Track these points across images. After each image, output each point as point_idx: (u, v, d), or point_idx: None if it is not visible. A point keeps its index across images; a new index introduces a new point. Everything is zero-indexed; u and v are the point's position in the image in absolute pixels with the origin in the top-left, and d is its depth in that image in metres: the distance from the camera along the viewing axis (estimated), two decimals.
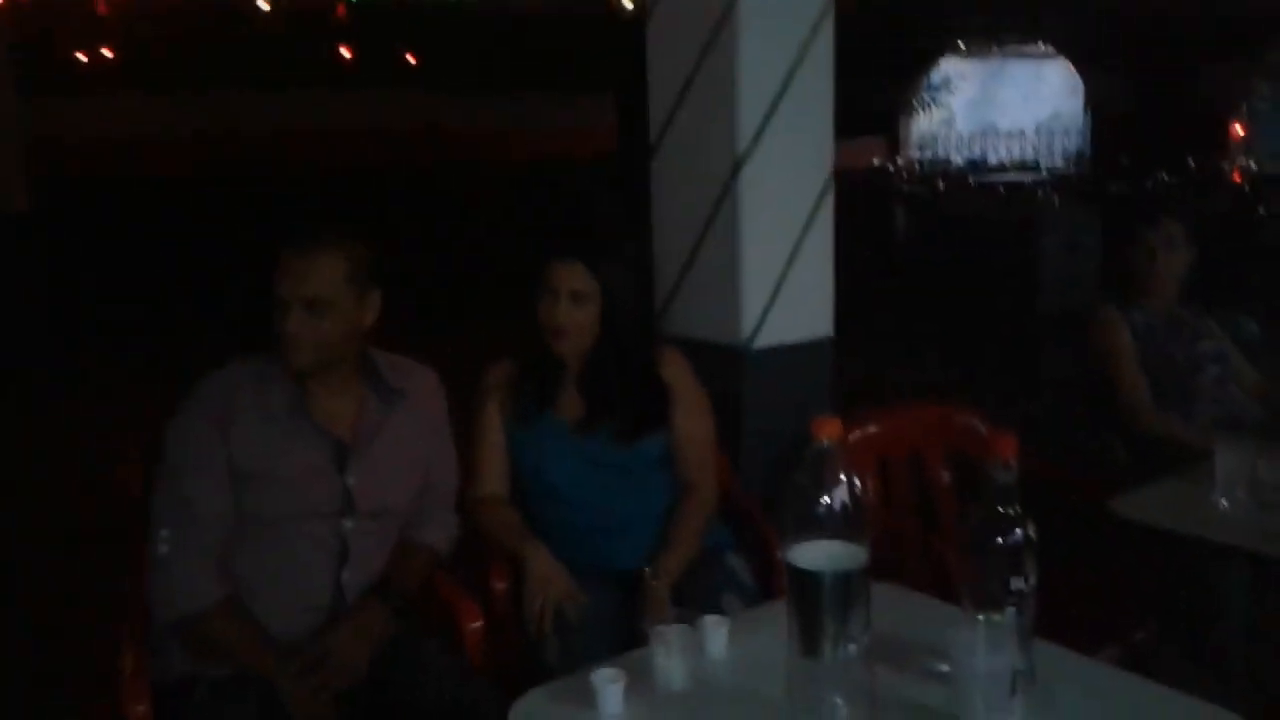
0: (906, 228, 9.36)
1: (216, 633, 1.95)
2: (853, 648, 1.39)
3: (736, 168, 2.90)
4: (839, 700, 1.39)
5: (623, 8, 9.01)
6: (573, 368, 2.35)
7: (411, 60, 13.27)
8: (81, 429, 5.45)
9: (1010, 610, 1.45)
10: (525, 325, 2.35)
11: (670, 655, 1.58)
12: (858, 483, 1.42)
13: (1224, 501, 2.21)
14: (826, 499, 1.41)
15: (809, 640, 1.40)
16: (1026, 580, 1.46)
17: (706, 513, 2.35)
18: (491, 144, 12.31)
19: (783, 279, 2.96)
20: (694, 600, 2.09)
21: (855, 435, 2.56)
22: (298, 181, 9.91)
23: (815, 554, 1.40)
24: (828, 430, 1.42)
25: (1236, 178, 11.89)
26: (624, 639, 1.95)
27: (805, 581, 1.39)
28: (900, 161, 15.39)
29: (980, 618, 1.46)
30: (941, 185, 12.12)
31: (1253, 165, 13.28)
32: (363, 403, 2.11)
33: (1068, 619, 2.46)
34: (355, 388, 2.11)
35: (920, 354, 6.77)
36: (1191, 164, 11.77)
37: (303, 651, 1.95)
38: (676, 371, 2.41)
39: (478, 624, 2.12)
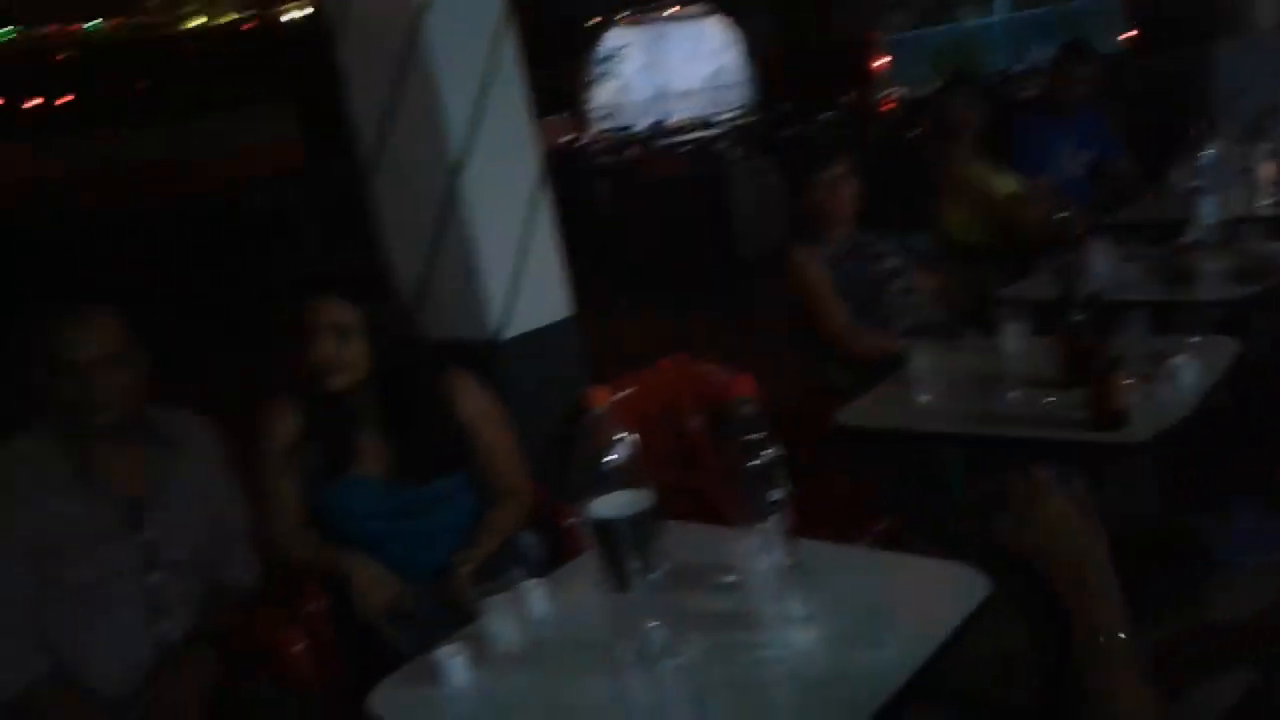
0: (606, 195, 9.67)
1: (45, 706, 1.97)
2: (654, 576, 1.63)
3: (455, 173, 3.07)
4: (653, 623, 1.62)
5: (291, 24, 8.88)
6: (366, 414, 2.34)
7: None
8: None
9: (774, 517, 1.72)
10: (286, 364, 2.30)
11: (499, 620, 1.77)
12: (628, 436, 1.65)
13: (924, 397, 2.60)
14: (608, 456, 1.63)
15: (617, 577, 1.63)
16: (782, 490, 1.74)
17: (524, 513, 2.45)
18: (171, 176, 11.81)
19: (518, 270, 3.17)
20: (488, 578, 2.10)
21: (617, 398, 2.79)
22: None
23: (610, 504, 1.62)
24: (599, 398, 1.65)
25: (887, 106, 12.92)
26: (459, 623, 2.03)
27: (607, 528, 1.62)
28: (586, 136, 15.78)
29: (752, 529, 1.72)
30: (628, 152, 12.29)
31: (905, 93, 14.41)
32: (144, 458, 2.15)
33: (824, 521, 2.81)
34: (135, 445, 2.14)
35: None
36: (851, 97, 12.66)
37: (132, 708, 1.99)
38: (471, 398, 2.43)
39: (299, 647, 2.20)
